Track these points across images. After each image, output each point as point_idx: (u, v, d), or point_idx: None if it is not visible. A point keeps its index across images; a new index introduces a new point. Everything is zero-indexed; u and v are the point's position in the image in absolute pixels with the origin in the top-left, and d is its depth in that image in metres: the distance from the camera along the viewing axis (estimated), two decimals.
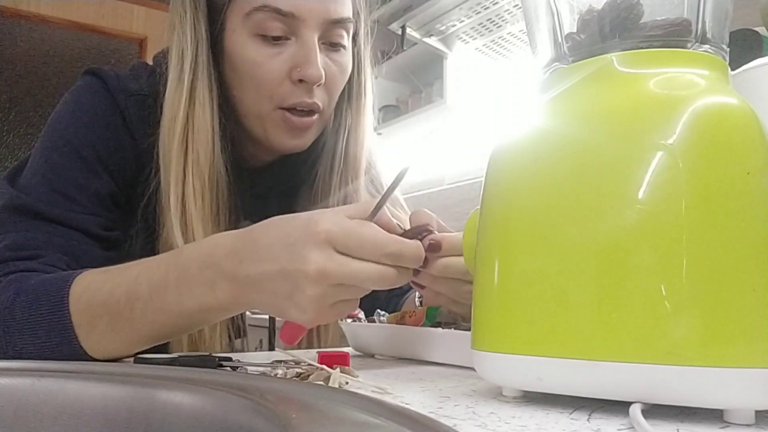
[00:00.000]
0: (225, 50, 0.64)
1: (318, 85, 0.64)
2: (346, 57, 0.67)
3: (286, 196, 0.76)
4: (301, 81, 0.63)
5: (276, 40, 0.62)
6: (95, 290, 0.51)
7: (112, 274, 0.53)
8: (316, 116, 0.66)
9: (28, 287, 0.52)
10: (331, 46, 0.65)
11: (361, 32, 0.72)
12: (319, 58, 0.63)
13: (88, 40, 2.73)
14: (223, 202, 0.66)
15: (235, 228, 0.68)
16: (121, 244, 0.65)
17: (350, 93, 0.72)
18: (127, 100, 0.65)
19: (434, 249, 0.51)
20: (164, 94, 0.64)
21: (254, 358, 0.55)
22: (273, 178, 0.76)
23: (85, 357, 0.51)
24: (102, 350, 0.51)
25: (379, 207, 0.48)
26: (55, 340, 0.50)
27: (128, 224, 0.66)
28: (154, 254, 0.64)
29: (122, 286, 0.51)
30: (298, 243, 0.44)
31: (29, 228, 0.58)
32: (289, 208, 0.74)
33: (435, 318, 0.60)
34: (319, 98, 0.65)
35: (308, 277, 0.43)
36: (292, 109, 0.65)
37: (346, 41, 0.67)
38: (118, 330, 0.51)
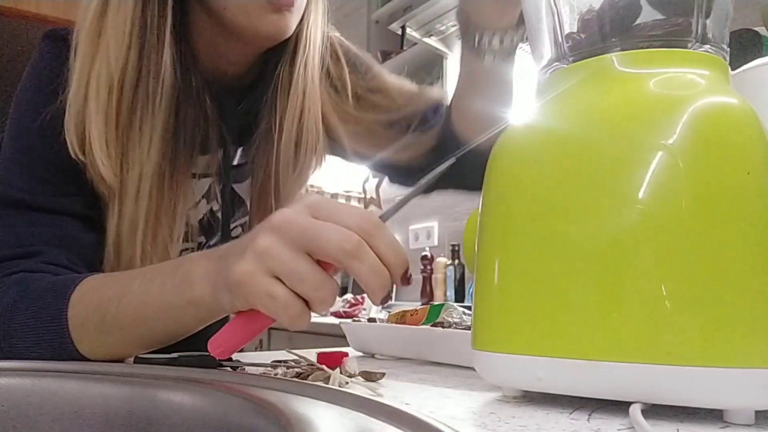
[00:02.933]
0: None
1: None
2: None
3: (256, 103, 0.74)
4: None
5: None
6: (93, 293, 0.51)
7: (113, 277, 0.52)
8: None
9: (30, 291, 0.52)
10: None
11: None
12: None
13: None
14: (158, 114, 0.61)
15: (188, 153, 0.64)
16: (104, 222, 0.63)
17: None
18: None
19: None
20: None
21: (254, 358, 0.55)
22: (255, 93, 0.73)
23: (81, 360, 0.51)
24: (94, 354, 0.51)
25: (388, 216, 0.43)
26: (52, 346, 0.50)
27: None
28: None
29: (117, 285, 0.50)
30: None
31: (18, 221, 0.57)
32: (259, 112, 0.72)
33: (436, 317, 0.60)
34: None
35: (268, 225, 0.40)
36: None
37: None
38: (107, 330, 0.50)
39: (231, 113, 0.70)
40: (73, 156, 0.58)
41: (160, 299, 0.48)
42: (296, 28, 0.69)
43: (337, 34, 0.81)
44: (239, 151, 0.74)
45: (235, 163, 0.74)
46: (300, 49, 0.71)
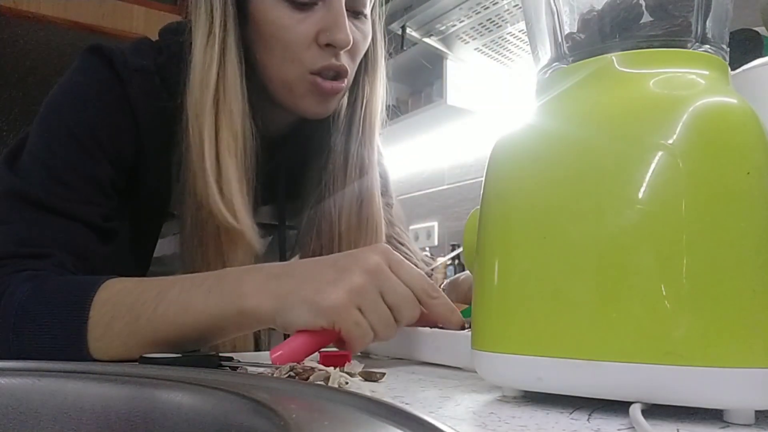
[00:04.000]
0: (251, 14, 0.64)
1: (345, 50, 0.65)
2: (368, 25, 0.69)
3: (294, 175, 0.76)
4: (328, 45, 0.63)
5: (303, 5, 0.63)
6: (124, 295, 0.51)
7: (145, 282, 0.53)
8: (344, 82, 0.67)
9: (47, 287, 0.52)
10: (355, 14, 0.66)
11: (376, 5, 0.73)
12: (347, 23, 0.64)
13: (88, 40, 2.73)
14: (252, 167, 0.66)
15: (257, 201, 0.67)
16: (119, 235, 0.64)
17: (367, 64, 0.73)
18: (131, 75, 0.64)
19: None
20: (185, 61, 0.63)
21: (254, 358, 0.55)
22: (285, 149, 0.75)
23: (87, 359, 0.51)
24: (107, 353, 0.51)
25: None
26: (65, 342, 0.50)
27: (127, 208, 0.66)
28: (156, 234, 0.62)
29: (152, 290, 0.51)
30: (360, 251, 0.49)
31: (32, 219, 0.57)
32: (296, 193, 0.74)
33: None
34: (345, 62, 0.66)
35: (363, 266, 0.47)
36: (320, 74, 0.65)
37: (368, 11, 0.68)
38: (137, 332, 0.50)
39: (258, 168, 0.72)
40: (228, 224, 0.61)
41: (205, 306, 0.49)
42: (351, 103, 0.73)
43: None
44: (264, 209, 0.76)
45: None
46: (356, 126, 0.73)
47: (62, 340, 0.50)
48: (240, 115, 0.63)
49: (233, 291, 0.49)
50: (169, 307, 0.49)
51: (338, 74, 0.66)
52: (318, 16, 0.63)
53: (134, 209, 0.66)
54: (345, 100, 0.74)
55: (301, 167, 0.76)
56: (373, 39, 0.72)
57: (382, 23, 0.75)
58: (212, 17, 0.63)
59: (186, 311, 0.49)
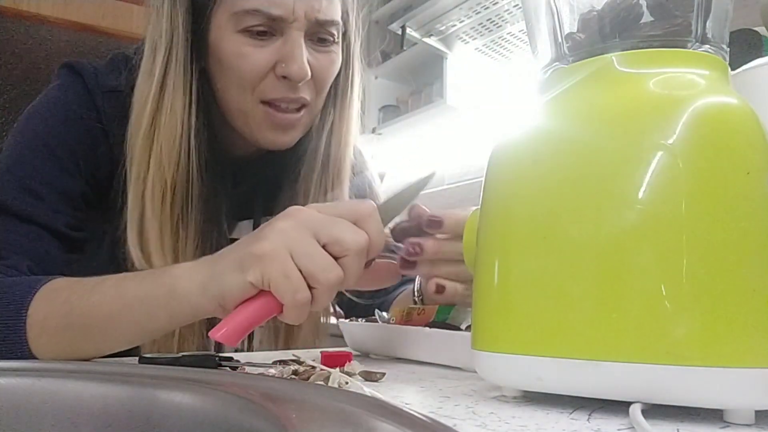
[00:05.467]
0: (210, 45, 0.64)
1: (305, 82, 0.64)
2: (334, 54, 0.67)
3: (269, 195, 0.76)
4: (284, 78, 0.62)
5: (262, 36, 0.62)
6: (61, 290, 0.51)
7: (88, 279, 0.52)
8: (303, 112, 0.66)
9: None
10: (319, 42, 0.65)
11: (351, 29, 0.71)
12: (305, 55, 0.62)
13: (88, 40, 2.73)
14: (195, 203, 0.64)
15: (211, 230, 0.66)
16: (86, 246, 0.64)
17: (336, 90, 0.71)
18: (104, 96, 0.65)
19: (435, 225, 0.51)
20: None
21: (254, 358, 0.55)
22: (258, 171, 0.75)
23: (30, 359, 0.50)
24: (52, 353, 0.50)
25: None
26: (6, 342, 0.49)
27: (99, 224, 0.66)
28: (118, 257, 0.62)
29: (89, 284, 0.51)
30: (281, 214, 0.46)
31: None
32: (271, 209, 0.74)
33: (446, 317, 0.59)
34: (305, 93, 0.65)
35: (283, 214, 0.45)
36: (275, 105, 0.64)
37: (335, 38, 0.66)
38: (71, 326, 0.50)
39: (228, 188, 0.71)
40: (137, 262, 0.60)
41: (137, 291, 0.48)
42: (317, 131, 0.71)
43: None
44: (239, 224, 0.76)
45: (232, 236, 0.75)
46: (321, 154, 0.72)
47: (3, 341, 0.50)
48: (175, 152, 0.62)
49: (165, 274, 0.48)
50: (103, 296, 0.49)
51: (297, 105, 0.64)
52: (275, 46, 0.62)
53: (112, 226, 0.66)
54: (314, 127, 0.72)
55: (276, 187, 0.75)
56: (346, 63, 0.70)
57: (359, 44, 0.72)
58: (155, 52, 0.62)
59: (117, 298, 0.49)
